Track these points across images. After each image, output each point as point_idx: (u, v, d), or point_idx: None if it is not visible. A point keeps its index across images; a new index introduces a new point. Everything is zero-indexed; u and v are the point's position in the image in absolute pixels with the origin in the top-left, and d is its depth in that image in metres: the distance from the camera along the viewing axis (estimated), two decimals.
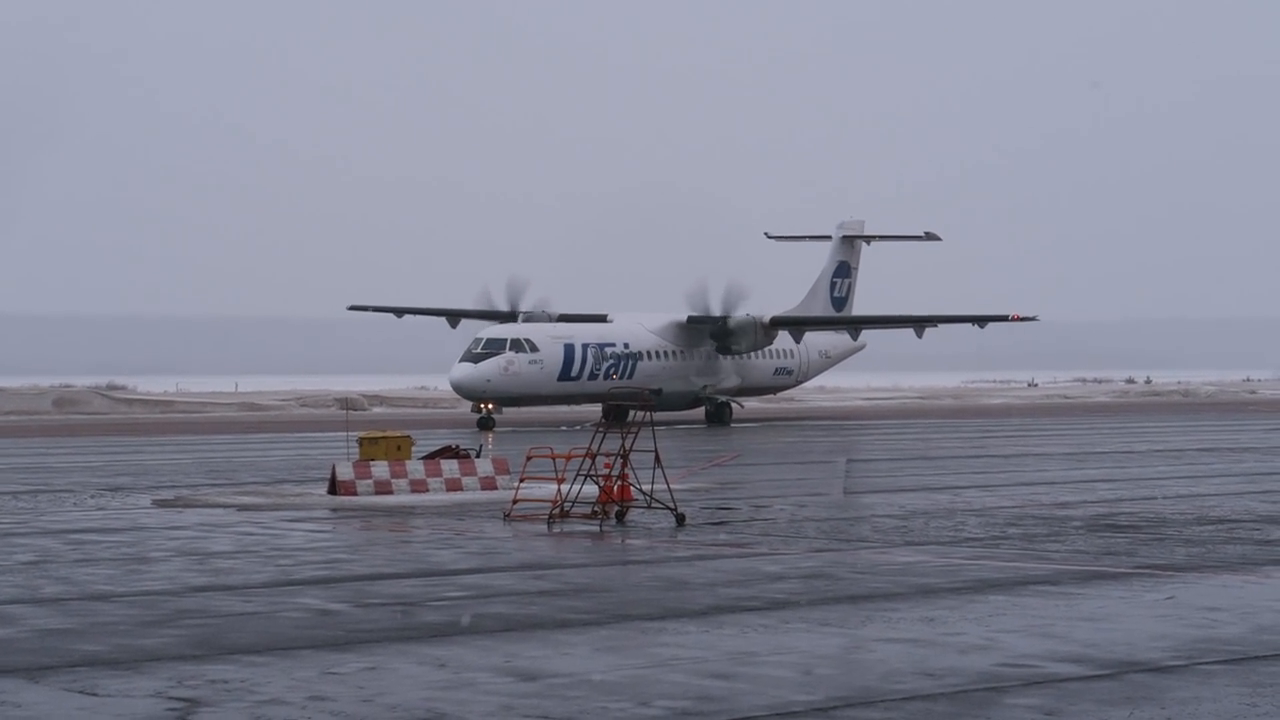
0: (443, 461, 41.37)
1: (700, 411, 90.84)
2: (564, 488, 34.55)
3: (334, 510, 37.41)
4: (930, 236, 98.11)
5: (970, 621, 20.68)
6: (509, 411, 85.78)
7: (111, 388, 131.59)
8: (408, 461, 40.94)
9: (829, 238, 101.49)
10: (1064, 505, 37.31)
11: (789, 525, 33.20)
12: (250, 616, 21.50)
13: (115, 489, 43.35)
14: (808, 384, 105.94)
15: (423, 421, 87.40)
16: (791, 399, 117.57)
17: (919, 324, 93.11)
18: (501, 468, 41.79)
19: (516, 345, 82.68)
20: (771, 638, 19.60)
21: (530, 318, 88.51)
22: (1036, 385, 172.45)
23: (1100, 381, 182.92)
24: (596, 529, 33.05)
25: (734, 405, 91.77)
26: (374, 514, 36.44)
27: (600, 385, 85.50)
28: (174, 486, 44.06)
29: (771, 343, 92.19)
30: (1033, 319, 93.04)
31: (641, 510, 34.74)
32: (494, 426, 78.57)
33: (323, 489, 40.98)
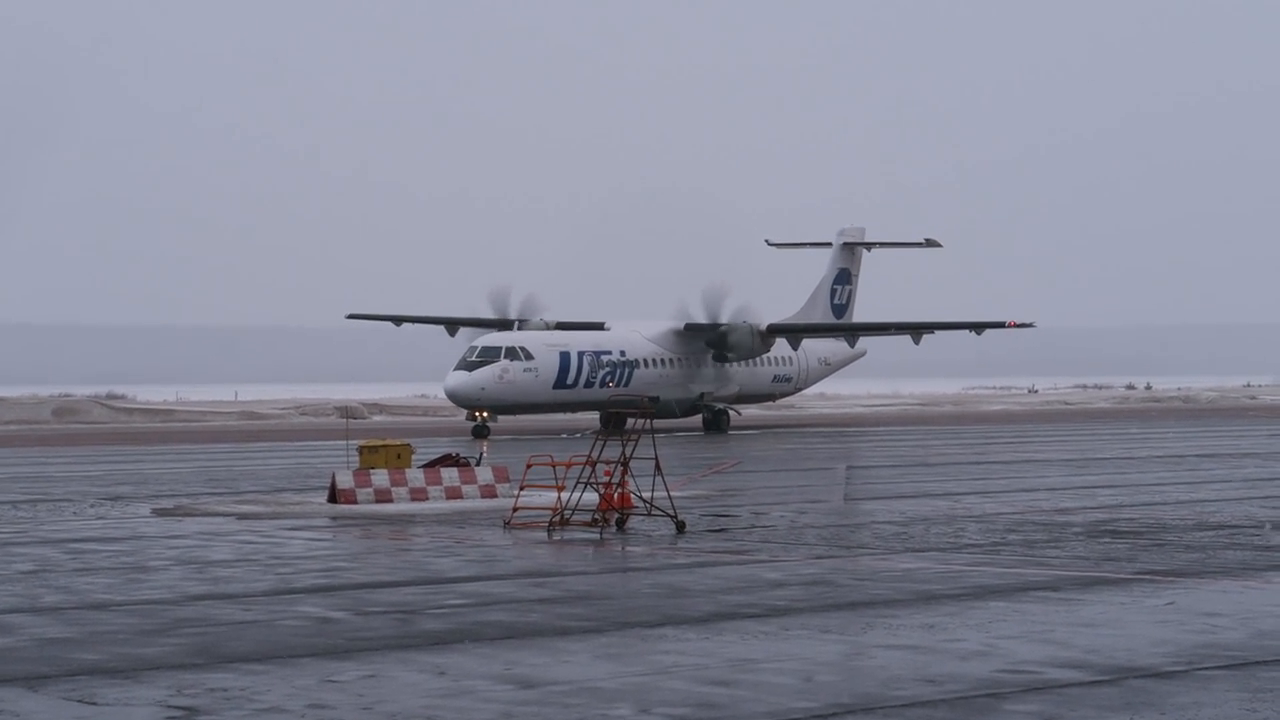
0: (443, 469, 41.34)
1: (698, 419, 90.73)
2: (564, 495, 34.53)
3: (334, 519, 37.39)
4: (931, 243, 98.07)
5: (970, 628, 20.67)
6: (504, 420, 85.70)
7: (111, 397, 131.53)
8: (408, 470, 40.92)
9: (829, 245, 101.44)
10: (1064, 511, 37.30)
11: (789, 532, 33.19)
12: (250, 625, 21.49)
13: (115, 498, 43.33)
14: (807, 391, 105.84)
15: (423, 430, 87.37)
16: (791, 406, 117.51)
17: (916, 331, 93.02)
18: (502, 476, 41.76)
19: (512, 353, 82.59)
20: (772, 644, 19.58)
21: (527, 325, 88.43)
22: (1037, 391, 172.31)
23: (1100, 388, 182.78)
24: (597, 536, 33.03)
25: (731, 413, 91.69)
26: (374, 522, 36.42)
27: (596, 393, 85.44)
28: (174, 495, 44.03)
29: (768, 350, 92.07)
30: (1029, 325, 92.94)
31: (642, 517, 34.73)
32: (489, 435, 78.48)
33: (323, 497, 40.95)
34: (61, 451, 70.85)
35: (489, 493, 40.95)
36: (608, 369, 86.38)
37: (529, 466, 36.41)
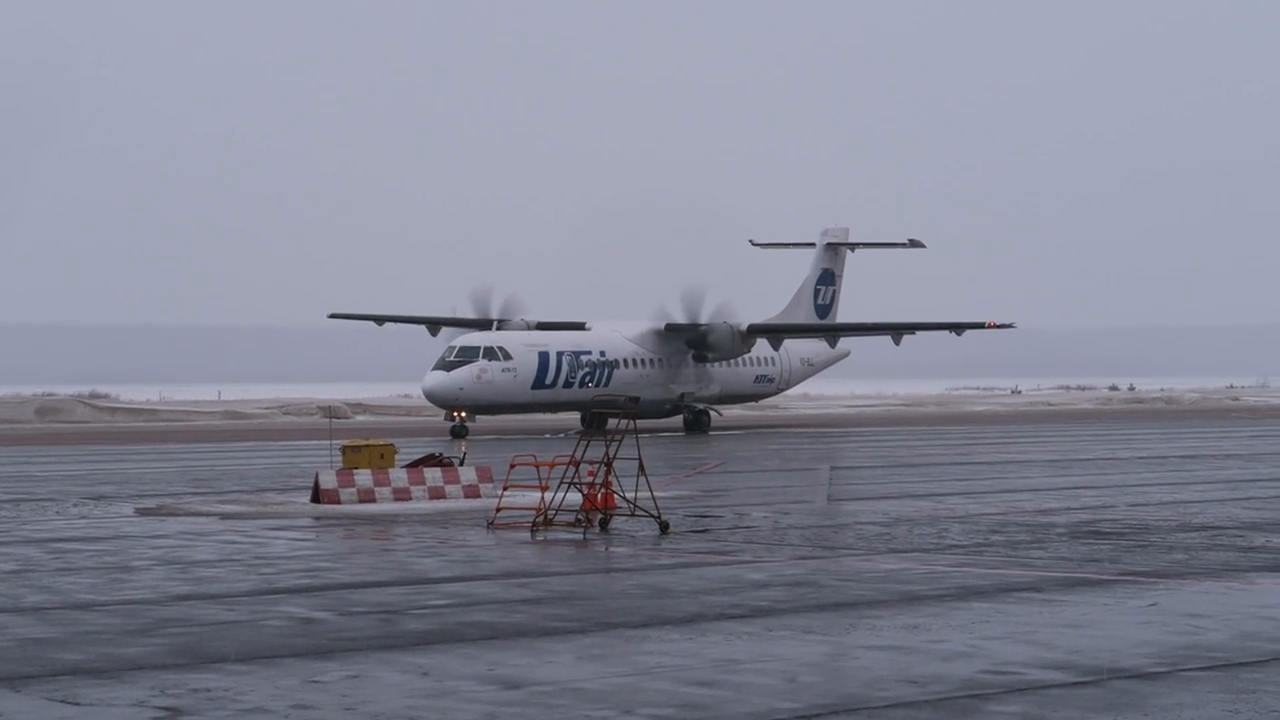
0: (426, 470, 41.31)
1: (678, 420, 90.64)
2: (548, 495, 34.52)
3: (317, 519, 37.35)
4: (914, 244, 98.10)
5: (954, 629, 20.68)
6: (483, 420, 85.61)
7: (94, 396, 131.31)
8: (391, 470, 40.88)
9: (813, 245, 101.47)
10: (1047, 512, 37.34)
11: (773, 533, 33.20)
12: (233, 625, 21.46)
13: (98, 498, 43.26)
14: (791, 392, 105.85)
15: (406, 430, 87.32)
16: (775, 406, 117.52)
17: (896, 331, 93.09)
18: (485, 476, 41.74)
19: (490, 353, 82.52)
20: (756, 645, 19.59)
21: (508, 326, 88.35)
22: (1020, 392, 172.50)
23: (1084, 389, 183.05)
24: (580, 537, 33.03)
25: (713, 413, 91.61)
26: (357, 522, 36.39)
27: (575, 393, 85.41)
28: (157, 495, 43.97)
29: (749, 351, 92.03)
30: (1009, 326, 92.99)
31: (625, 518, 34.73)
32: (467, 434, 78.35)
33: (306, 497, 40.90)
34: (44, 451, 70.74)
35: (472, 493, 40.93)
36: (587, 369, 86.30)
37: (512, 466, 36.39)
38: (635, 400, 39.23)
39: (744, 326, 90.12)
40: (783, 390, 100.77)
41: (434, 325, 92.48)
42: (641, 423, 76.85)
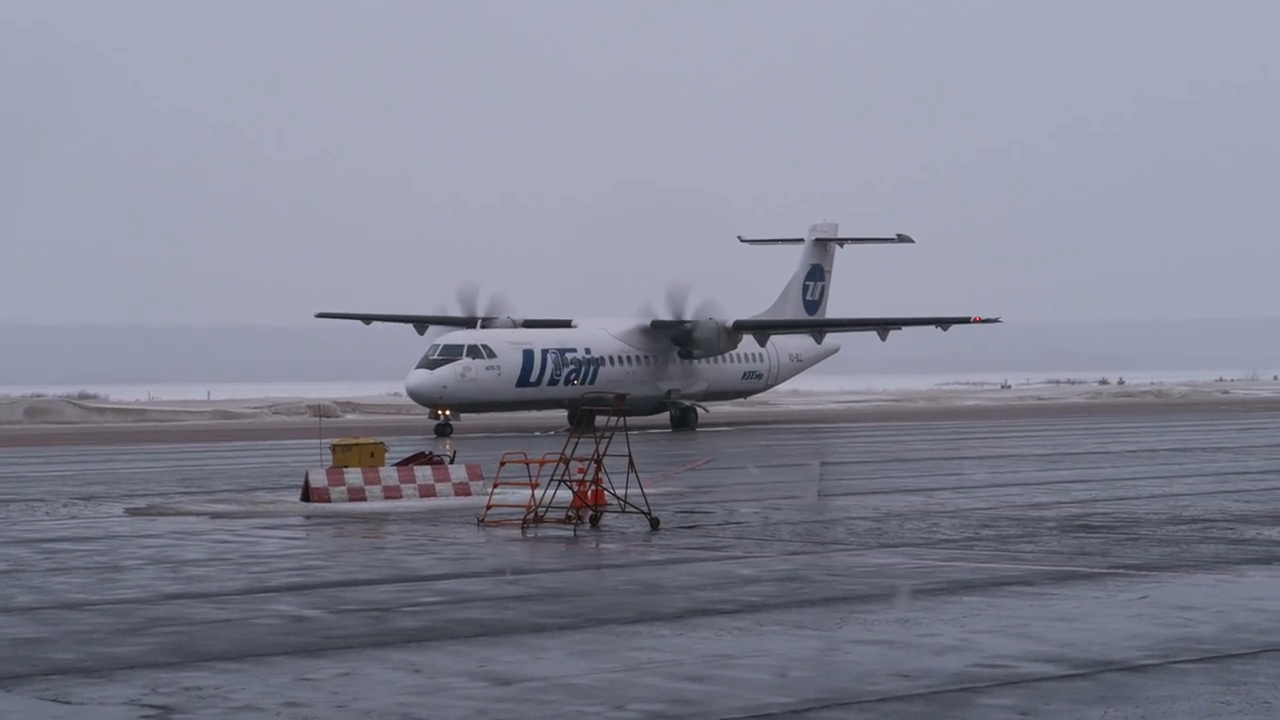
0: (416, 468, 41.31)
1: (665, 417, 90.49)
2: (538, 493, 34.51)
3: (307, 517, 37.34)
4: (902, 239, 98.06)
5: (945, 623, 20.70)
6: (468, 418, 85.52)
7: (83, 397, 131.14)
8: (381, 468, 40.87)
9: (802, 241, 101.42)
10: (1038, 506, 37.37)
11: (763, 528, 33.20)
12: (224, 624, 21.45)
13: (88, 498, 43.22)
14: (780, 387, 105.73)
15: (396, 428, 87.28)
16: (764, 402, 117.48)
17: (882, 326, 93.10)
18: (475, 474, 41.74)
19: (474, 351, 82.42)
20: (746, 640, 19.59)
21: (495, 324, 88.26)
22: (1010, 387, 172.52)
23: (1073, 383, 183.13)
24: (571, 534, 33.03)
25: (699, 410, 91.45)
26: (347, 521, 36.38)
27: (561, 391, 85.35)
28: (147, 495, 43.93)
29: (735, 347, 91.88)
30: (995, 320, 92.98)
31: (615, 514, 34.72)
32: (451, 433, 78.21)
33: (296, 496, 40.89)
34: (34, 451, 70.66)
35: (463, 491, 40.93)
36: (572, 367, 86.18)
37: (503, 464, 36.37)
38: (621, 397, 39.13)
39: (729, 323, 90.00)
40: (771, 386, 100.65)
41: (421, 324, 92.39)
42: (628, 420, 76.85)
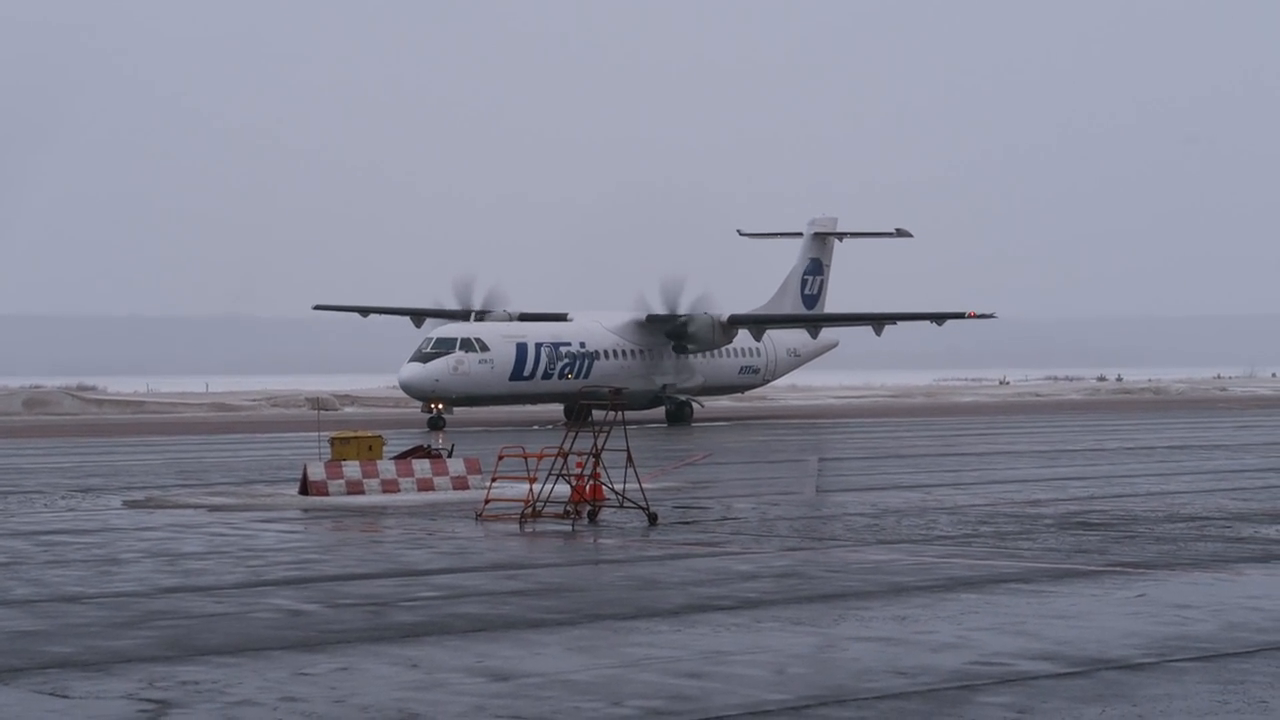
0: (414, 461, 41.32)
1: (660, 411, 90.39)
2: (536, 487, 34.51)
3: (305, 510, 37.34)
4: (901, 233, 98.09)
5: (942, 620, 20.70)
6: (462, 412, 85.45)
7: (82, 388, 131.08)
8: (379, 461, 40.88)
9: (801, 235, 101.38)
10: (1035, 503, 37.37)
11: (761, 524, 33.21)
12: (222, 617, 21.45)
13: (86, 490, 43.23)
14: (778, 382, 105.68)
15: (394, 421, 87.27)
16: (763, 397, 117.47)
17: (877, 321, 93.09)
18: (474, 467, 41.76)
19: (466, 345, 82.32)
20: (744, 637, 19.60)
21: (490, 317, 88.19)
22: (1008, 383, 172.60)
23: (1071, 379, 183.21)
24: (569, 529, 33.03)
25: (695, 404, 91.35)
26: (346, 514, 36.38)
27: (555, 385, 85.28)
28: (145, 487, 43.93)
29: (730, 341, 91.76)
30: (990, 316, 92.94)
31: (614, 510, 34.73)
32: (444, 426, 78.17)
33: (294, 489, 40.90)
34: (32, 443, 70.67)
35: (461, 484, 40.94)
36: (566, 360, 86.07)
37: (501, 458, 36.38)
38: (617, 392, 39.11)
39: (724, 317, 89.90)
40: (769, 381, 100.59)
41: (418, 316, 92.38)
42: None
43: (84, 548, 29.89)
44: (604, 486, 34.78)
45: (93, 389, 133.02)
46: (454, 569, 26.56)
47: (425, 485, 40.68)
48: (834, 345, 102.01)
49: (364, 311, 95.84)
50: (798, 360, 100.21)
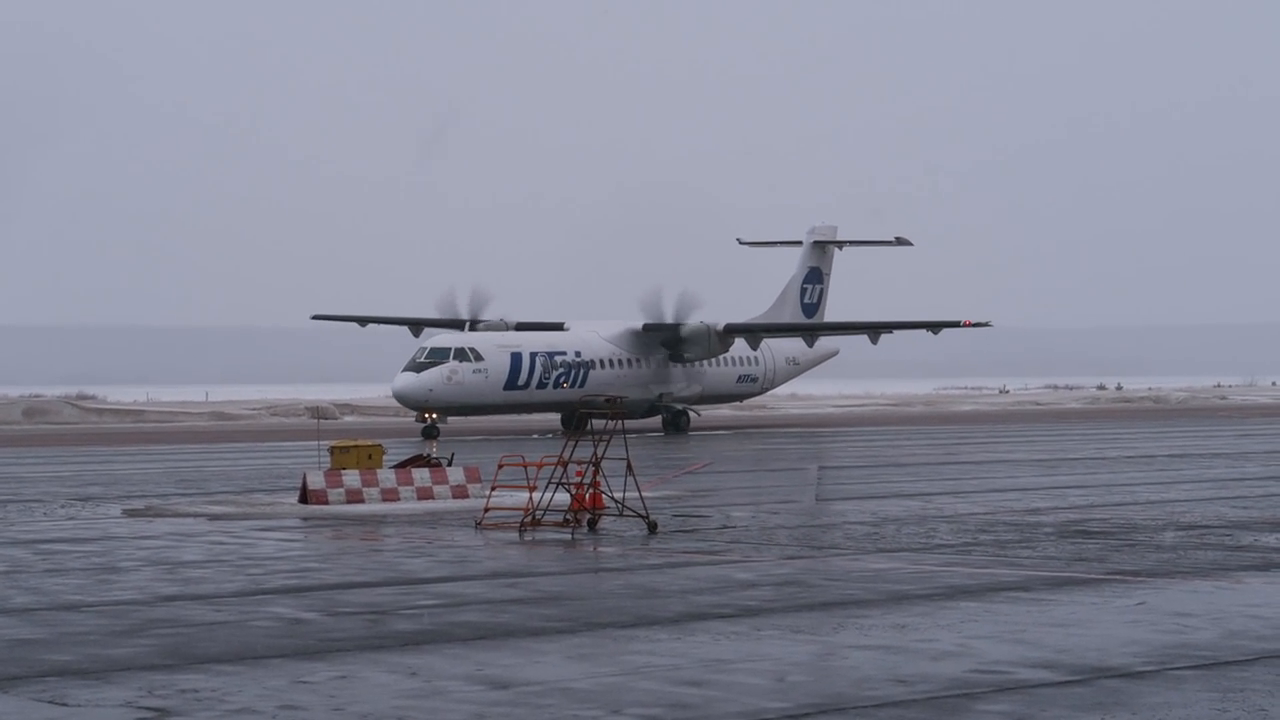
0: (414, 470, 41.29)
1: (657, 420, 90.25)
2: (536, 496, 34.51)
3: (305, 519, 37.33)
4: (901, 241, 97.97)
5: (942, 628, 20.69)
6: (456, 422, 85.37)
7: (81, 397, 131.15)
8: (379, 470, 40.86)
9: (800, 243, 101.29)
10: (1035, 511, 37.36)
11: (761, 532, 33.20)
12: (221, 626, 21.44)
13: (85, 499, 43.22)
14: (778, 391, 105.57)
15: (394, 430, 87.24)
16: (762, 406, 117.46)
17: (873, 330, 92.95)
18: (473, 476, 41.74)
19: (461, 354, 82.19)
20: (744, 645, 19.59)
21: (487, 326, 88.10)
22: (1008, 392, 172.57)
23: (1071, 388, 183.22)
24: (568, 537, 33.02)
25: (691, 413, 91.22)
26: (345, 523, 36.37)
27: (550, 394, 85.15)
28: (144, 496, 43.93)
29: (726, 350, 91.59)
30: (986, 325, 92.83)
31: (613, 518, 34.72)
32: (438, 436, 78.04)
33: (294, 498, 40.89)
34: (32, 452, 70.65)
35: (460, 493, 40.92)
36: (561, 370, 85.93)
37: (501, 467, 36.37)
38: (613, 401, 39.09)
39: (721, 326, 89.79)
40: (767, 390, 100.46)
41: (416, 326, 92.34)
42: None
43: (83, 556, 29.88)
44: (604, 495, 34.77)
45: (92, 398, 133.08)
46: (454, 577, 26.55)
47: (425, 494, 40.65)
48: (834, 354, 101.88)
49: (362, 321, 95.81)
50: (797, 369, 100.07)
